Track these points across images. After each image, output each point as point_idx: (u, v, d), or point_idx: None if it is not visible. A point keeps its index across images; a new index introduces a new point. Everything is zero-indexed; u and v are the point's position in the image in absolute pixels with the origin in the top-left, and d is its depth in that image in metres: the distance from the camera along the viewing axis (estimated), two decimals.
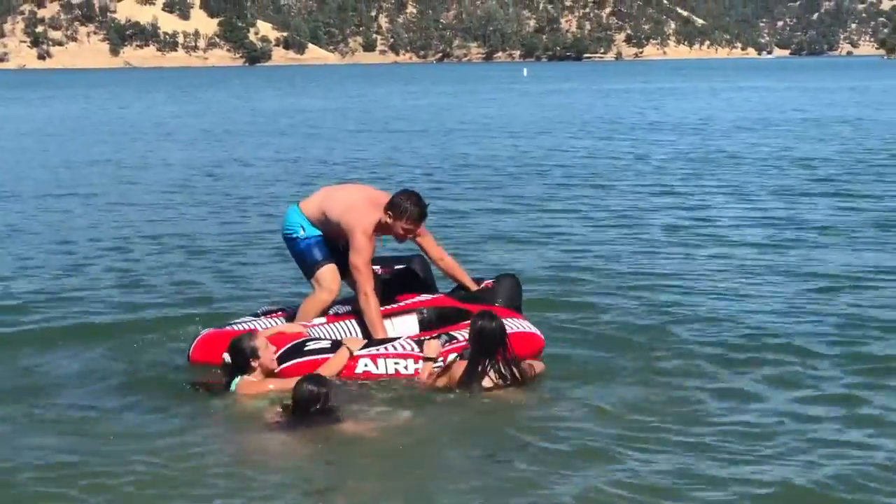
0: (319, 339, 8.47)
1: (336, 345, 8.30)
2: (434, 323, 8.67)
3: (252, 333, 8.28)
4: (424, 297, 8.95)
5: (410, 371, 8.14)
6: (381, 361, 8.16)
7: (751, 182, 21.42)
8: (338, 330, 8.66)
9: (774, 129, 36.12)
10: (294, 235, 8.87)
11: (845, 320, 10.24)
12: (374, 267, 8.83)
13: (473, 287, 9.05)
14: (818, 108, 49.64)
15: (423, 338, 8.39)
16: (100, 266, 13.47)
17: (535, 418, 7.67)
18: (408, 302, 8.87)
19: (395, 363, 8.15)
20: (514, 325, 8.54)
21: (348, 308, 8.86)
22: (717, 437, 7.24)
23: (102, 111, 56.43)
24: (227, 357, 8.19)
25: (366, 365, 8.16)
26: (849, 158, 25.66)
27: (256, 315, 9.21)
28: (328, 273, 8.77)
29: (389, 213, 8.58)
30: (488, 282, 9.12)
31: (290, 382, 7.71)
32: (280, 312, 9.19)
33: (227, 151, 30.35)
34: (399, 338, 8.40)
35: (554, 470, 6.72)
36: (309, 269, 8.84)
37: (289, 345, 8.33)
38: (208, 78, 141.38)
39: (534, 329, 8.70)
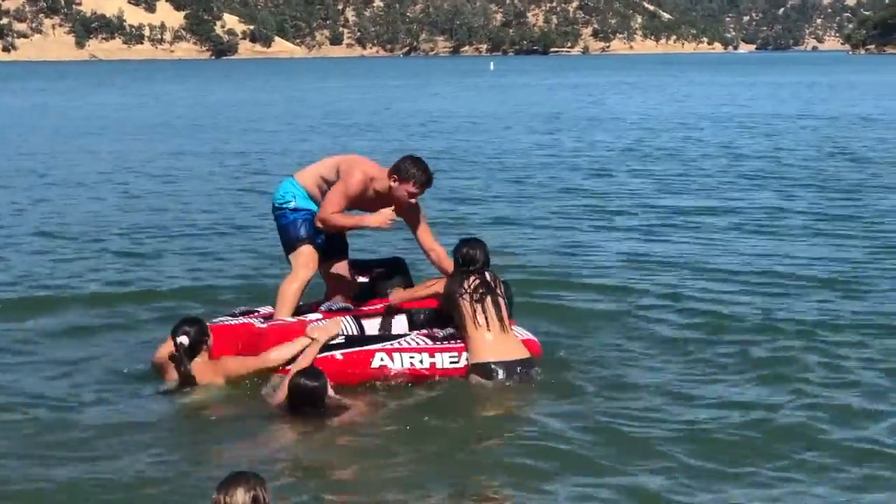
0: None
1: (351, 339, 8.21)
2: (425, 325, 8.56)
3: (199, 319, 8.44)
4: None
5: (426, 366, 8.10)
6: (396, 356, 8.08)
7: (694, 175, 22.01)
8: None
9: (717, 125, 36.68)
10: (284, 206, 8.71)
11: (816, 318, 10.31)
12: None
13: None
14: (769, 103, 50.24)
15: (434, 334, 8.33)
16: (59, 262, 13.52)
17: (534, 416, 7.70)
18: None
19: (411, 357, 8.09)
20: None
21: (342, 304, 8.80)
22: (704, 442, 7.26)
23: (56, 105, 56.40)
24: (183, 340, 8.08)
25: (381, 359, 8.09)
26: (788, 154, 26.26)
27: (234, 315, 9.02)
28: (308, 251, 8.67)
29: (395, 176, 8.48)
30: None
31: (245, 361, 8.11)
32: (258, 312, 9.02)
33: (172, 143, 30.65)
34: (409, 333, 8.34)
35: (546, 469, 6.75)
36: (292, 243, 8.71)
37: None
38: (172, 71, 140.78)
39: (530, 335, 8.60)
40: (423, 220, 8.80)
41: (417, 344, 8.19)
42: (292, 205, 8.67)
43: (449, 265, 8.62)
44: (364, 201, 8.66)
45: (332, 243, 8.83)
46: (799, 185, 20.30)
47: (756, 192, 19.47)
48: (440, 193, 19.02)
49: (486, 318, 8.09)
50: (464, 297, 8.14)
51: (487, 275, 8.30)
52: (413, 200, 8.57)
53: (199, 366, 8.15)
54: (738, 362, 8.88)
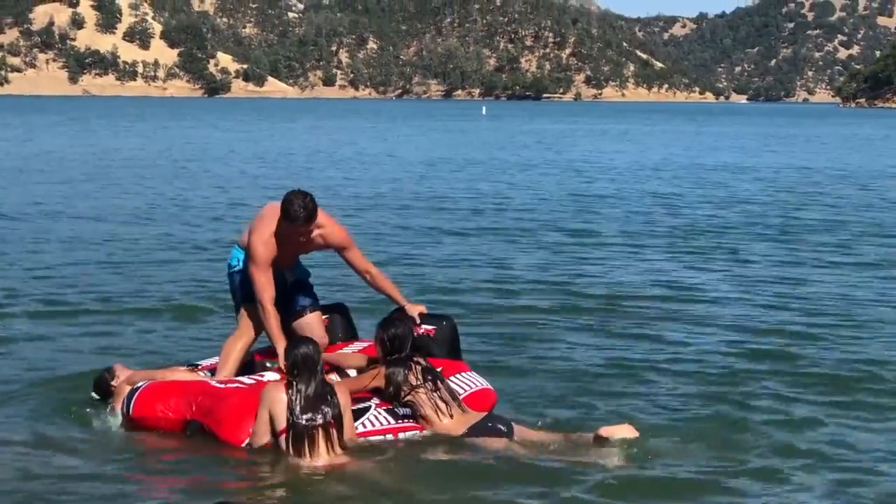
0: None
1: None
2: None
3: (111, 368, 8.61)
4: (357, 345, 8.74)
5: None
6: (363, 441, 7.93)
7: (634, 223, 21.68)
8: None
9: (664, 174, 36.63)
10: (236, 269, 8.70)
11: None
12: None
13: (403, 302, 8.71)
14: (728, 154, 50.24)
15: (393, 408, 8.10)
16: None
17: (517, 460, 7.67)
18: (342, 353, 8.68)
19: (380, 440, 7.93)
20: (464, 382, 8.38)
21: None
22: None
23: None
24: (94, 396, 8.49)
25: None
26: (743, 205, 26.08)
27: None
28: (251, 312, 8.59)
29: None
30: (429, 328, 8.65)
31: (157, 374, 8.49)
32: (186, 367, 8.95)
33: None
34: (369, 408, 8.04)
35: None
36: (237, 304, 8.76)
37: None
38: (156, 108, 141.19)
39: (486, 384, 8.48)
40: (350, 242, 8.63)
41: (382, 424, 8.01)
42: (239, 268, 8.66)
43: (387, 285, 8.70)
44: (286, 253, 8.45)
45: (288, 298, 8.64)
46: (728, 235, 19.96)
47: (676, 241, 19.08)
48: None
49: (446, 404, 7.99)
50: (418, 390, 7.97)
51: (418, 358, 8.10)
52: (298, 239, 8.32)
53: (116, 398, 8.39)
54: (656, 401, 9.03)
